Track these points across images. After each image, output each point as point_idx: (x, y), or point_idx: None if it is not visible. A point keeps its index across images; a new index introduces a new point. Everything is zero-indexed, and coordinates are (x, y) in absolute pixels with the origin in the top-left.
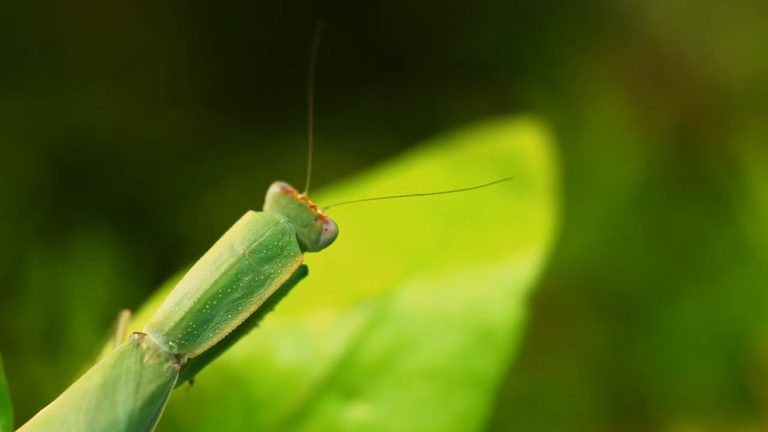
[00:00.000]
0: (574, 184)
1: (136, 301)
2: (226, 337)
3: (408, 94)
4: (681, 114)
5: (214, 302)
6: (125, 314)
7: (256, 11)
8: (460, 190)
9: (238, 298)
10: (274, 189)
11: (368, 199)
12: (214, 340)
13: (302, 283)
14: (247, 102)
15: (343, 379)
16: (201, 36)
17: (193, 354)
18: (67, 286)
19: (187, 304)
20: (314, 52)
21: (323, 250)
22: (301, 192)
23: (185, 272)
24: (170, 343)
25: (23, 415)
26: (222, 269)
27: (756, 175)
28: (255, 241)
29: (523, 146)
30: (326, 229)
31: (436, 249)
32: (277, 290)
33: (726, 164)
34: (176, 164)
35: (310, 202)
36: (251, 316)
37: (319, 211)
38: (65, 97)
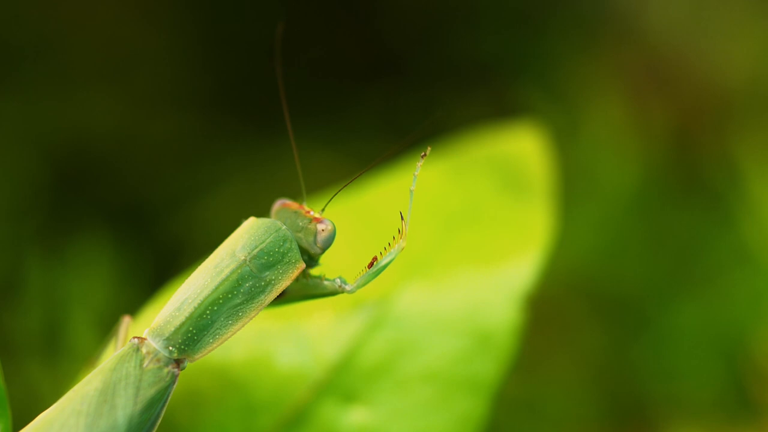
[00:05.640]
0: (572, 187)
1: (134, 304)
2: None
3: (407, 97)
4: (680, 116)
5: (215, 308)
6: (126, 319)
7: (255, 13)
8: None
9: (239, 304)
10: (276, 206)
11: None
12: (215, 346)
13: None
14: (246, 104)
15: (342, 383)
16: (200, 39)
17: (193, 359)
18: (66, 288)
19: (188, 309)
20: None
21: (322, 252)
22: (301, 201)
23: (185, 276)
24: (170, 347)
25: (22, 418)
26: (223, 275)
27: (754, 178)
28: (256, 247)
29: (521, 149)
30: (321, 230)
31: (435, 252)
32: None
33: (724, 167)
34: (175, 167)
35: (306, 208)
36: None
37: (314, 214)
38: (65, 100)
